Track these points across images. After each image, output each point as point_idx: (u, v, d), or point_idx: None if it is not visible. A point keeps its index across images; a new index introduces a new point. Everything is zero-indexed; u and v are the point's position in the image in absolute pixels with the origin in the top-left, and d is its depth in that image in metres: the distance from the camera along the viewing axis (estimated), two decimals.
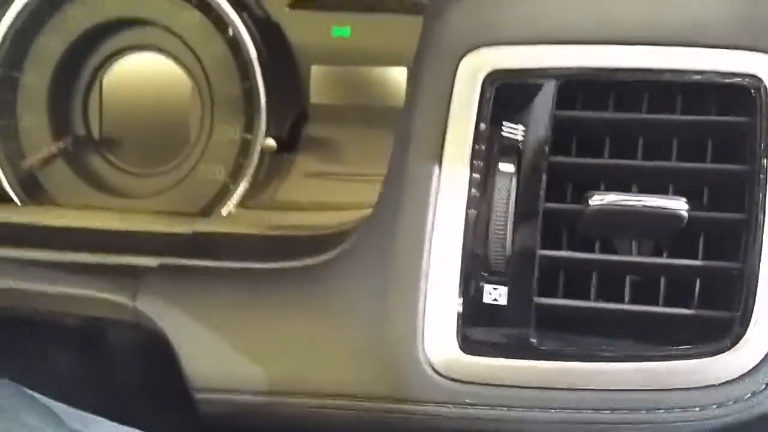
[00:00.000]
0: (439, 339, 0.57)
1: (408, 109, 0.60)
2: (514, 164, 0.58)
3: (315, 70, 0.88)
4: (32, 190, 0.92)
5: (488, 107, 0.58)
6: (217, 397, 0.60)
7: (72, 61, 0.91)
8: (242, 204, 0.87)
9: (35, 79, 0.92)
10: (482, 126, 0.58)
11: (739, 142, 0.57)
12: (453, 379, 0.56)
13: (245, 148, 0.87)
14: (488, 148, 0.58)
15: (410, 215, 0.59)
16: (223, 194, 0.88)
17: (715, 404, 0.55)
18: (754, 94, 0.56)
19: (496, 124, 0.58)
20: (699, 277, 0.56)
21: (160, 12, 0.89)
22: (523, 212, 0.57)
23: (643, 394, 0.55)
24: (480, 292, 0.57)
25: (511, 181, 0.57)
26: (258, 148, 0.86)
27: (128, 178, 0.92)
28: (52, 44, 0.91)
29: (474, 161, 0.58)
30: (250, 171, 0.86)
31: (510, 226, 0.57)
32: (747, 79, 0.57)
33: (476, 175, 0.58)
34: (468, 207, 0.57)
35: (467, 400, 0.56)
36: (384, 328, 0.57)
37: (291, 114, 0.86)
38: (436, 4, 0.62)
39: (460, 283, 0.57)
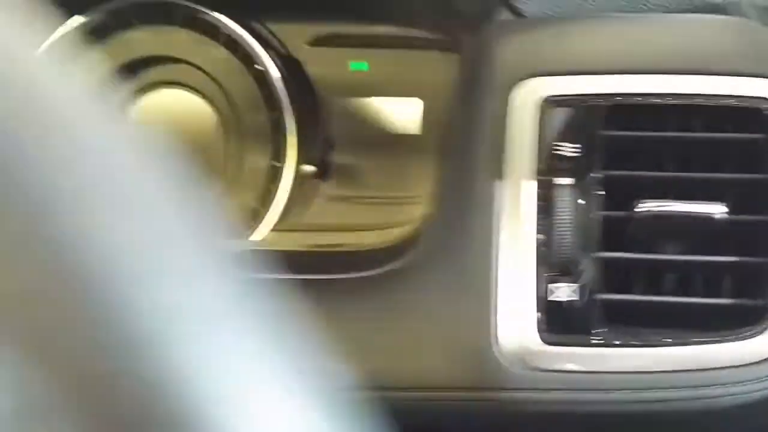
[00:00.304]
0: (518, 334, 0.64)
1: (462, 132, 0.68)
2: (571, 178, 0.66)
3: (335, 101, 0.95)
4: None
5: (546, 129, 0.67)
6: None
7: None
8: (273, 228, 0.92)
9: None
10: (541, 145, 0.66)
11: (758, 154, 0.67)
12: (532, 368, 0.64)
13: (274, 175, 0.92)
14: (548, 165, 0.66)
15: (479, 227, 0.67)
16: (254, 219, 0.93)
17: (755, 379, 0.64)
18: (765, 113, 0.67)
19: (552, 143, 0.67)
20: (734, 271, 0.66)
21: (187, 50, 0.94)
22: (583, 219, 0.66)
23: (694, 374, 0.64)
24: (552, 290, 0.65)
25: (570, 192, 0.66)
26: (289, 175, 0.92)
27: None
28: None
29: (537, 176, 0.66)
30: (282, 197, 0.92)
31: (573, 231, 0.65)
32: (757, 102, 0.68)
33: (540, 189, 0.66)
34: (537, 216, 0.65)
35: (545, 386, 0.64)
36: (464, 326, 0.65)
37: (319, 142, 0.93)
38: (488, 38, 0.71)
39: (533, 285, 0.65)
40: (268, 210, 0.93)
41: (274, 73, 0.92)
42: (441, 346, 0.65)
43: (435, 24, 0.91)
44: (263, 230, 0.93)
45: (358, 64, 0.95)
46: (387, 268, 0.68)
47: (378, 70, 0.95)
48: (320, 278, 0.71)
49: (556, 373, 0.63)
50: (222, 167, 0.95)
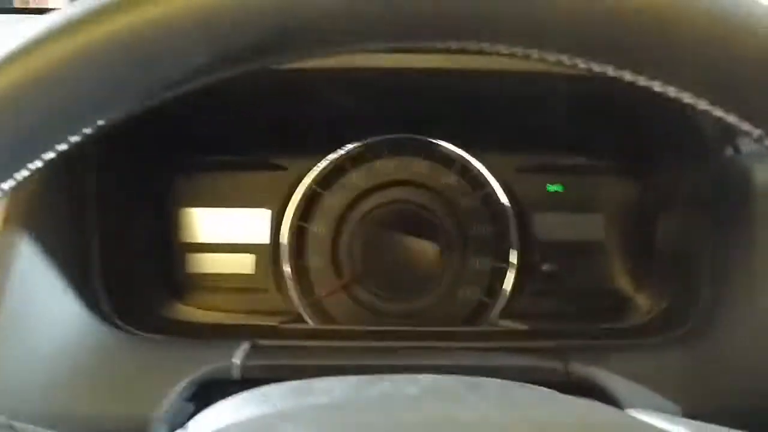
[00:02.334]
0: None
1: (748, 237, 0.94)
2: None
3: (536, 216, 1.23)
4: (319, 314, 1.20)
5: None
6: None
7: (348, 213, 1.21)
8: (500, 316, 1.19)
9: (322, 229, 1.21)
10: None
11: None
12: None
13: (497, 274, 1.19)
14: None
15: None
16: (482, 310, 1.19)
17: None
18: None
19: None
20: None
21: (424, 176, 1.21)
22: None
23: None
24: None
25: None
26: (512, 274, 1.19)
27: (392, 303, 1.22)
28: (336, 201, 1.21)
29: None
30: (506, 292, 1.19)
31: None
32: None
33: None
34: None
35: None
36: None
37: (532, 248, 1.21)
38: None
39: None
40: (496, 301, 1.19)
41: (501, 193, 1.20)
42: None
43: (618, 155, 1.21)
44: (492, 318, 1.19)
45: (553, 186, 1.24)
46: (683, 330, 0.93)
47: (572, 190, 1.24)
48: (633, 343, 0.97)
49: None
50: (445, 268, 1.21)
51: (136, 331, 0.96)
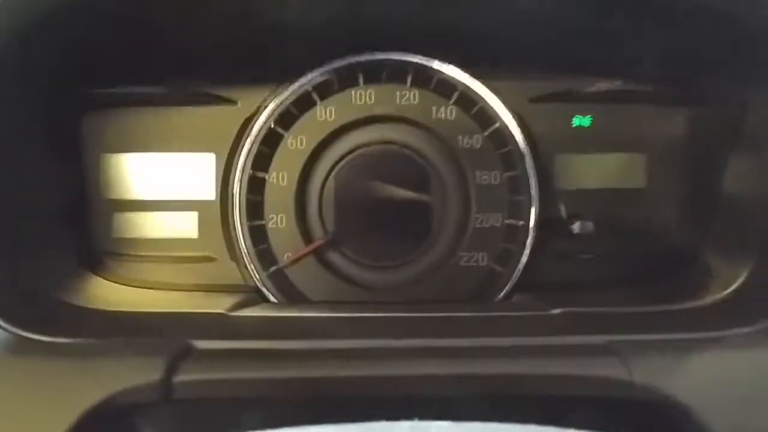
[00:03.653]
0: None
1: None
2: None
3: (559, 158, 0.94)
4: (283, 287, 0.92)
5: None
6: None
7: (316, 158, 0.92)
8: (515, 289, 0.91)
9: (284, 179, 0.92)
10: None
11: None
12: None
13: (511, 234, 0.91)
14: None
15: None
16: (491, 280, 0.91)
17: None
18: None
19: None
20: None
21: (413, 108, 0.92)
22: None
23: None
24: None
25: None
26: (531, 234, 0.91)
27: (374, 272, 0.94)
28: (299, 143, 0.92)
29: None
30: (523, 257, 0.91)
31: None
32: None
33: None
34: None
35: None
36: None
37: (554, 199, 0.92)
38: None
39: None
40: (513, 271, 0.91)
41: (515, 130, 0.91)
42: None
43: (662, 76, 0.92)
44: (506, 290, 0.91)
45: (581, 119, 0.95)
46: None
47: (601, 125, 0.95)
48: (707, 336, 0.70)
49: None
50: (438, 227, 0.93)
51: (26, 333, 0.67)
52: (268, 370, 0.65)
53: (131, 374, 0.63)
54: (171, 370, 0.63)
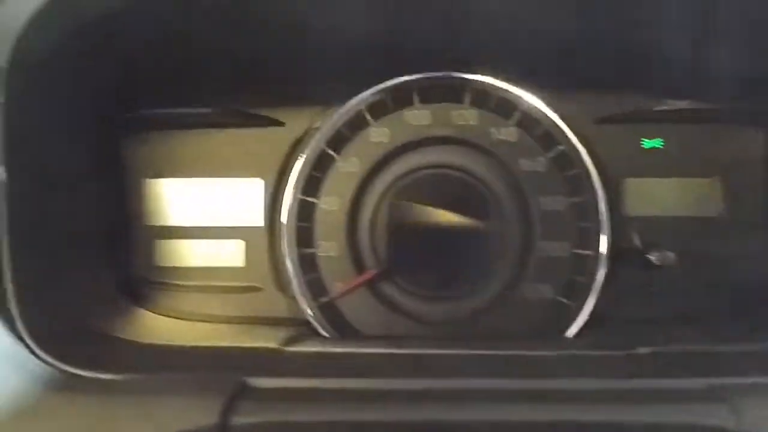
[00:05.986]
0: None
1: None
2: None
3: (628, 182, 0.88)
4: (334, 319, 0.86)
5: None
6: None
7: (369, 183, 0.87)
8: (587, 324, 0.84)
9: (335, 204, 0.87)
10: None
11: None
12: None
13: (580, 264, 0.85)
14: None
15: None
16: (558, 314, 0.85)
17: None
18: None
19: None
20: None
21: (471, 130, 0.86)
22: None
23: None
24: None
25: None
26: (603, 264, 0.84)
27: (427, 304, 0.87)
28: (352, 167, 0.87)
29: None
30: (593, 289, 0.84)
31: None
32: None
33: None
34: None
35: None
36: None
37: (623, 226, 0.86)
38: None
39: None
40: (582, 304, 0.85)
41: (583, 153, 0.85)
42: None
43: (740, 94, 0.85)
44: (577, 326, 0.84)
45: (650, 141, 0.89)
46: None
47: (674, 147, 0.89)
48: None
49: None
50: (509, 258, 0.87)
51: (67, 367, 0.62)
52: (328, 413, 0.59)
53: (187, 415, 0.57)
54: (227, 411, 0.58)
